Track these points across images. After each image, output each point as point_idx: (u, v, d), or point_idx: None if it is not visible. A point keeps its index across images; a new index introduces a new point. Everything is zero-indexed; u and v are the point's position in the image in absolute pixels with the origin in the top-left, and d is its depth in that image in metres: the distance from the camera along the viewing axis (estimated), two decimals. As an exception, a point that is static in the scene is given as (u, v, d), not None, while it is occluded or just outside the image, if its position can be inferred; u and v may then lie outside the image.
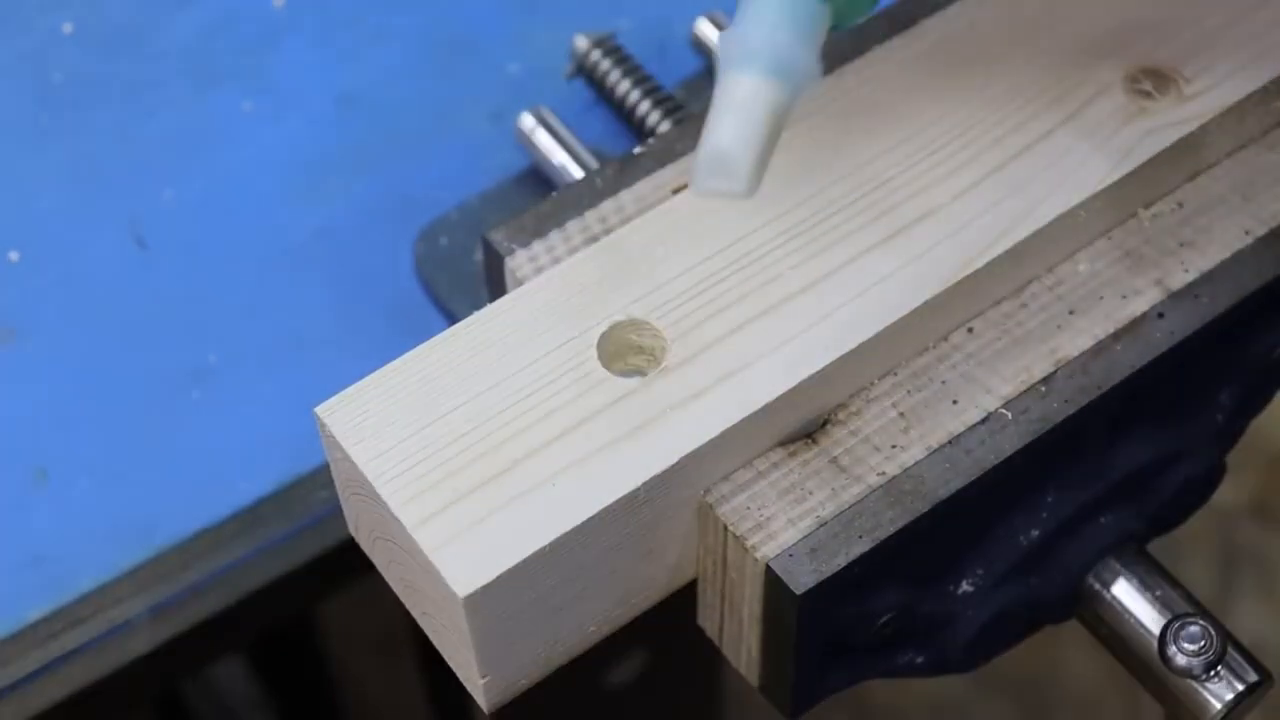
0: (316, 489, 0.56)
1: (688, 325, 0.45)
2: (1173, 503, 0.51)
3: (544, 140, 0.60)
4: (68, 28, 0.68)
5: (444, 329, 0.45)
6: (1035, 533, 0.47)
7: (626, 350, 0.45)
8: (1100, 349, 0.47)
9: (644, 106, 0.60)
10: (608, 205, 0.49)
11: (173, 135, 0.65)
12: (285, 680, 1.13)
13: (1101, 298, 0.48)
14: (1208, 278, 0.48)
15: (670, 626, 0.50)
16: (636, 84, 0.61)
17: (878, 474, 0.44)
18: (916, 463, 0.44)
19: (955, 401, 0.45)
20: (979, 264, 0.46)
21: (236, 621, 0.56)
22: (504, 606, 0.41)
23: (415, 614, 0.46)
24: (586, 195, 0.49)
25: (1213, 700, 0.47)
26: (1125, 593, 0.48)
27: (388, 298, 0.60)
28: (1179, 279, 0.48)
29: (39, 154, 0.64)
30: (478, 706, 0.45)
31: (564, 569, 0.42)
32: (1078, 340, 0.47)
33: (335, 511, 0.52)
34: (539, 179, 0.61)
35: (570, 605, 0.44)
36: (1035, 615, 0.50)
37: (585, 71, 0.62)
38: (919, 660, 0.48)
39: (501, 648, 0.43)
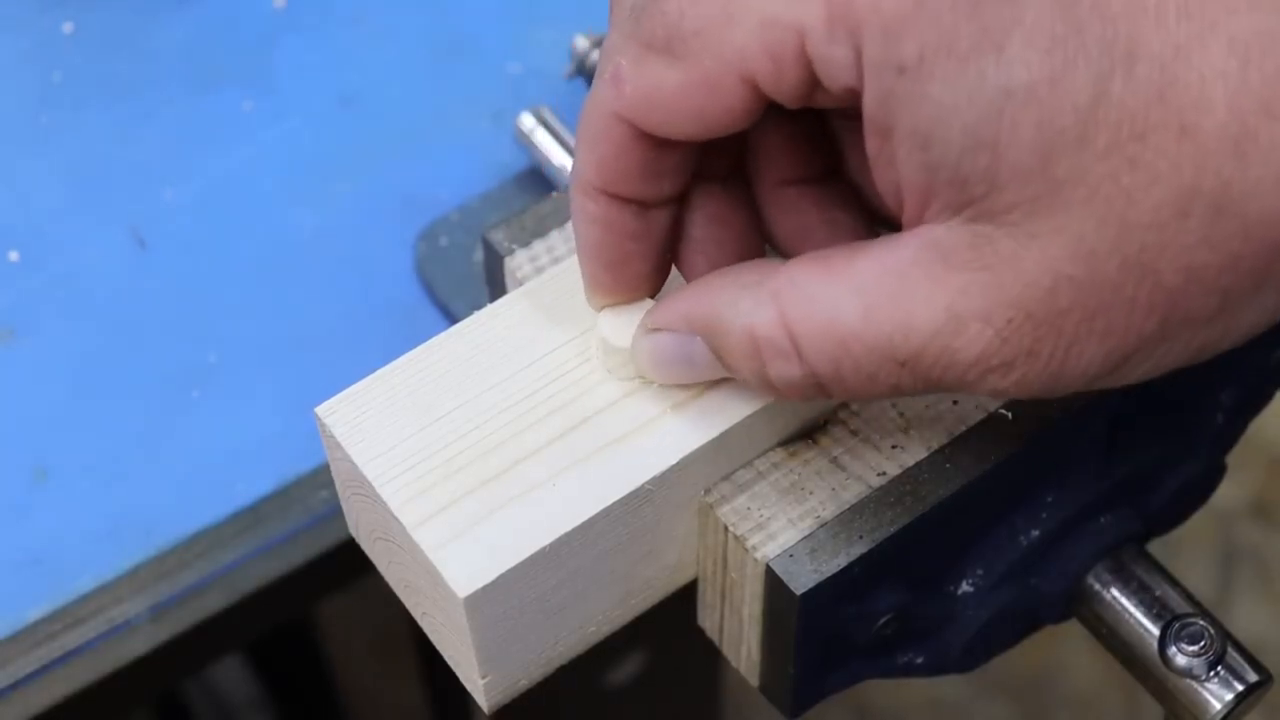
0: (316, 489, 0.56)
1: (688, 325, 0.45)
2: (1173, 503, 0.51)
3: (544, 140, 0.60)
4: (68, 28, 0.68)
5: (444, 329, 0.45)
6: (1035, 533, 0.47)
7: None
8: (1100, 349, 0.46)
9: (644, 106, 0.60)
10: (608, 205, 0.49)
11: (173, 135, 0.65)
12: (285, 680, 1.13)
13: (1101, 298, 0.48)
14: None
15: (670, 626, 0.50)
16: (636, 84, 0.60)
17: (878, 474, 0.44)
18: (917, 463, 0.44)
19: (955, 402, 0.45)
20: (979, 264, 0.46)
21: (236, 621, 0.56)
22: (504, 607, 0.41)
23: (415, 614, 0.46)
24: (586, 195, 0.49)
25: (1213, 700, 0.47)
26: (1125, 592, 0.48)
27: (388, 298, 0.60)
28: (1179, 279, 0.48)
29: (39, 154, 0.64)
30: (478, 706, 0.45)
31: (564, 569, 0.42)
32: (1078, 340, 0.47)
33: (335, 511, 0.52)
34: (539, 179, 0.61)
35: (570, 605, 0.44)
36: (1035, 615, 0.50)
37: (585, 71, 0.62)
38: (918, 660, 0.48)
39: (501, 648, 0.43)
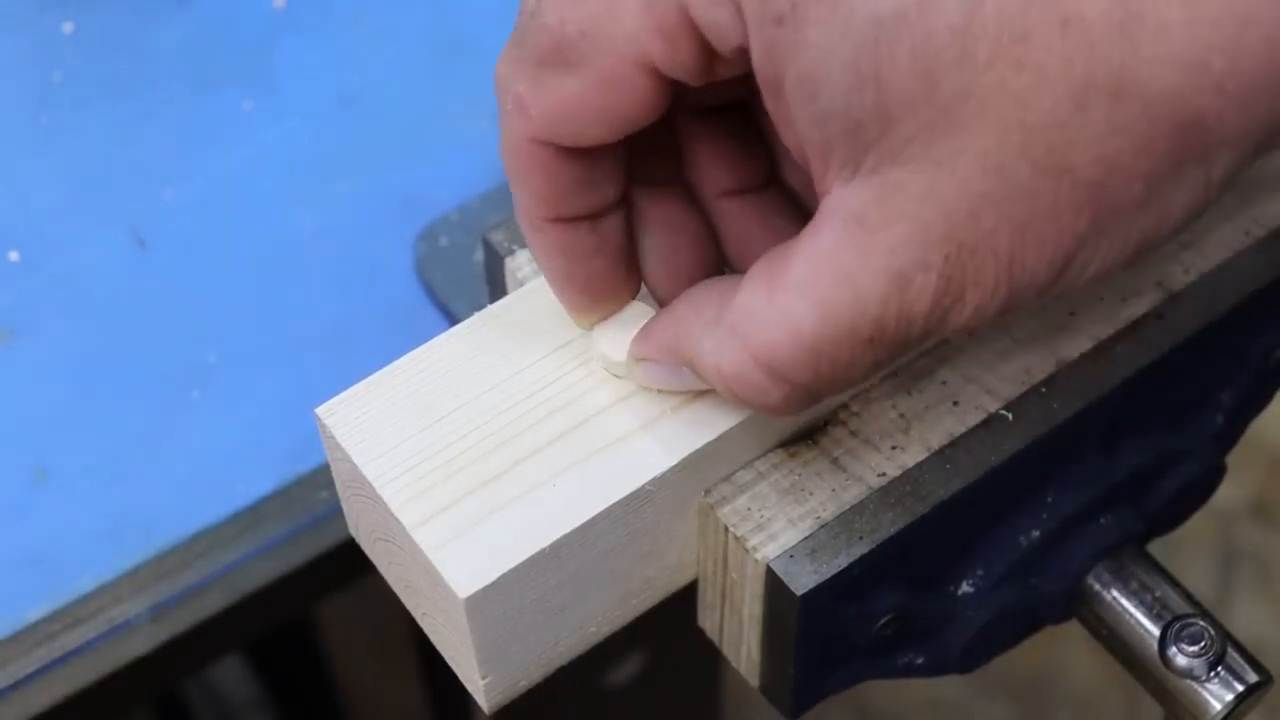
0: (316, 489, 0.56)
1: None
2: (1173, 503, 0.51)
3: (544, 140, 0.60)
4: (68, 27, 0.68)
5: (444, 329, 0.45)
6: (1035, 533, 0.47)
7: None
8: (1100, 350, 0.46)
9: (644, 107, 0.60)
10: (608, 205, 0.49)
11: (173, 135, 0.65)
12: (285, 680, 1.13)
13: (1102, 299, 0.48)
14: (1208, 279, 0.48)
15: (670, 626, 0.50)
16: (637, 84, 0.60)
17: (878, 475, 0.44)
18: (917, 464, 0.44)
19: (956, 402, 0.45)
20: (979, 264, 0.46)
21: (236, 621, 0.56)
22: (504, 607, 0.41)
23: (415, 614, 0.46)
24: (587, 195, 0.49)
25: (1213, 700, 0.47)
26: (1125, 593, 0.48)
27: (388, 298, 0.60)
28: (1179, 280, 0.48)
29: (39, 154, 0.64)
30: (478, 707, 0.45)
31: (564, 570, 0.42)
32: (1078, 341, 0.47)
33: (335, 511, 0.52)
34: (539, 179, 0.61)
35: (570, 606, 0.44)
36: (1035, 615, 0.50)
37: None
38: (919, 661, 0.48)
39: (502, 648, 0.43)
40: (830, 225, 0.36)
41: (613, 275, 0.43)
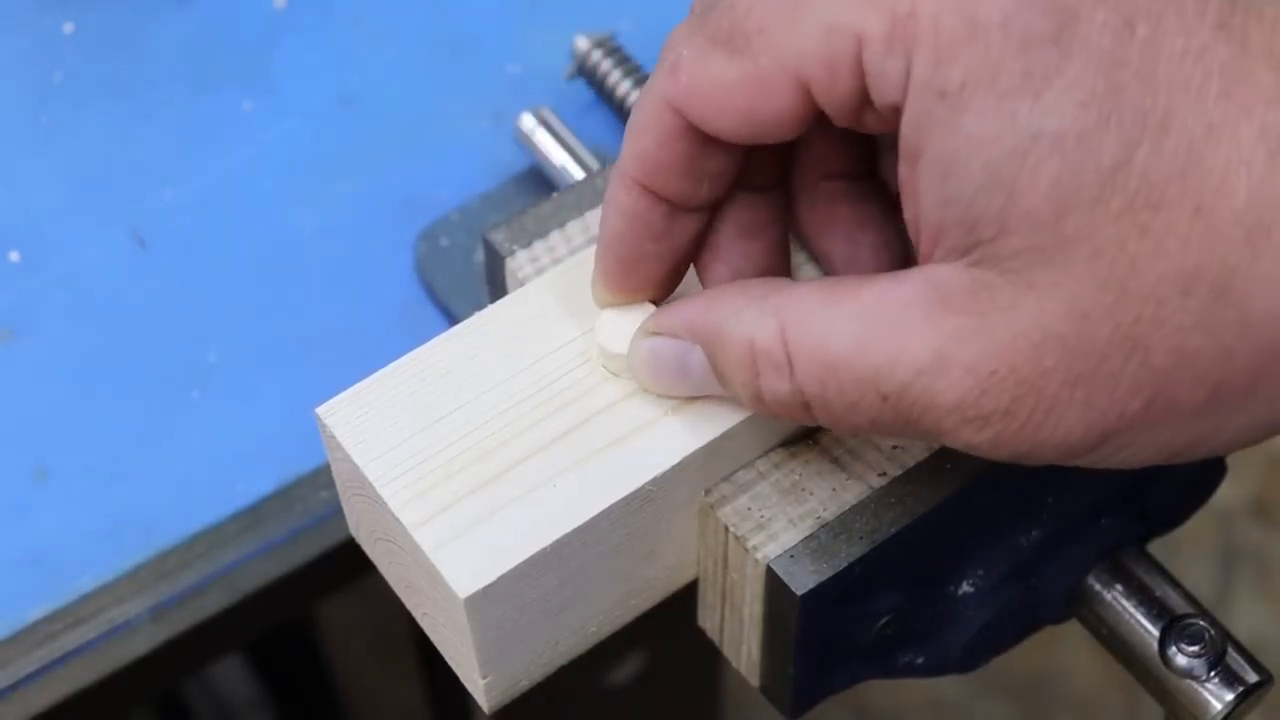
0: (316, 489, 0.56)
1: (688, 325, 0.45)
2: (1173, 503, 0.51)
3: (544, 140, 0.60)
4: (68, 28, 0.68)
5: (444, 329, 0.45)
6: (1035, 533, 0.47)
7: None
8: (1101, 349, 0.46)
9: (644, 107, 0.59)
10: (608, 205, 0.49)
11: (173, 135, 0.65)
12: (285, 680, 1.13)
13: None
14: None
15: (670, 626, 0.50)
16: (637, 84, 0.61)
17: (879, 474, 0.44)
18: (917, 463, 0.44)
19: (956, 402, 0.45)
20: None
21: (236, 621, 0.56)
22: (505, 607, 0.41)
23: (415, 614, 0.46)
24: (587, 196, 0.49)
25: (1213, 701, 0.47)
26: (1125, 593, 0.48)
27: (388, 298, 0.60)
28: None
29: (39, 154, 0.64)
30: (478, 707, 0.45)
31: (565, 570, 0.42)
32: (1078, 341, 0.47)
33: (335, 511, 0.52)
34: (539, 179, 0.61)
35: (571, 606, 0.44)
36: (1035, 615, 0.50)
37: (585, 72, 0.62)
38: (919, 661, 0.48)
39: (502, 648, 0.43)
40: (915, 283, 0.37)
41: (657, 266, 0.42)
